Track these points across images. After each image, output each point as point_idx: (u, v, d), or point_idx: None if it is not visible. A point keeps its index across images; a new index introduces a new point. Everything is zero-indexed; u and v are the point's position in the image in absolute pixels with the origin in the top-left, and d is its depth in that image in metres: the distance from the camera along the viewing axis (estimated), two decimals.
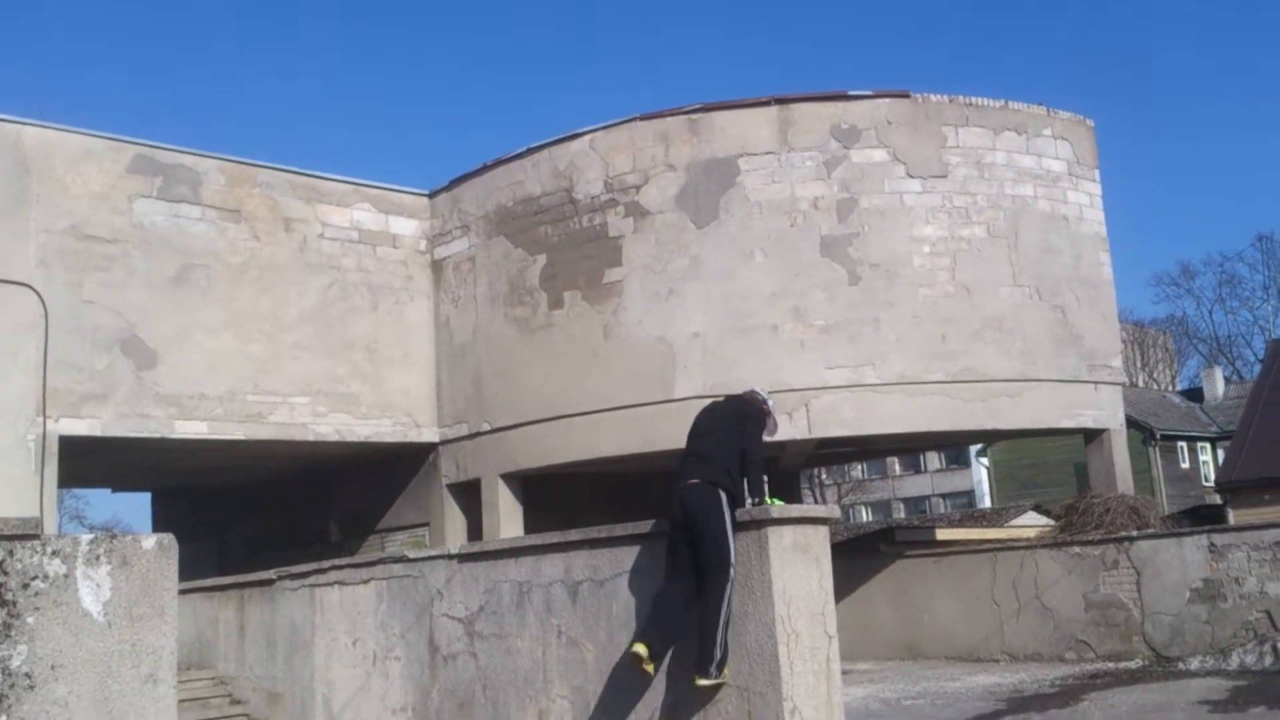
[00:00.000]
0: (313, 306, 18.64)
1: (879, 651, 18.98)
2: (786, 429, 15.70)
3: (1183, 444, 50.44)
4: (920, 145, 17.72)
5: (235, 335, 17.79)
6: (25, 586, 4.71)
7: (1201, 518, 31.08)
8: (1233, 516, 29.68)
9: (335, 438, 18.69)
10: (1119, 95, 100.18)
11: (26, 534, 4.78)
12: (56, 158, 16.57)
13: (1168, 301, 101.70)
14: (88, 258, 16.60)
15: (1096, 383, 18.53)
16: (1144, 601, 16.47)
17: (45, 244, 16.30)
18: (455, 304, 19.71)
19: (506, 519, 18.77)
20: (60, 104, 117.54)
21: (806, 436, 17.29)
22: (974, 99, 18.22)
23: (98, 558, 4.91)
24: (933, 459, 68.67)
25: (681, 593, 7.23)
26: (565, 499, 19.44)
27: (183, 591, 8.81)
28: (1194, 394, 56.18)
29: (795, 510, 7.27)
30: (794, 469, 24.67)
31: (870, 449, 26.93)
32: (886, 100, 17.87)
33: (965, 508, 56.27)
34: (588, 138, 18.43)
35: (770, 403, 8.07)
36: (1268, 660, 14.74)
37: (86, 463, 18.09)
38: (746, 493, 7.46)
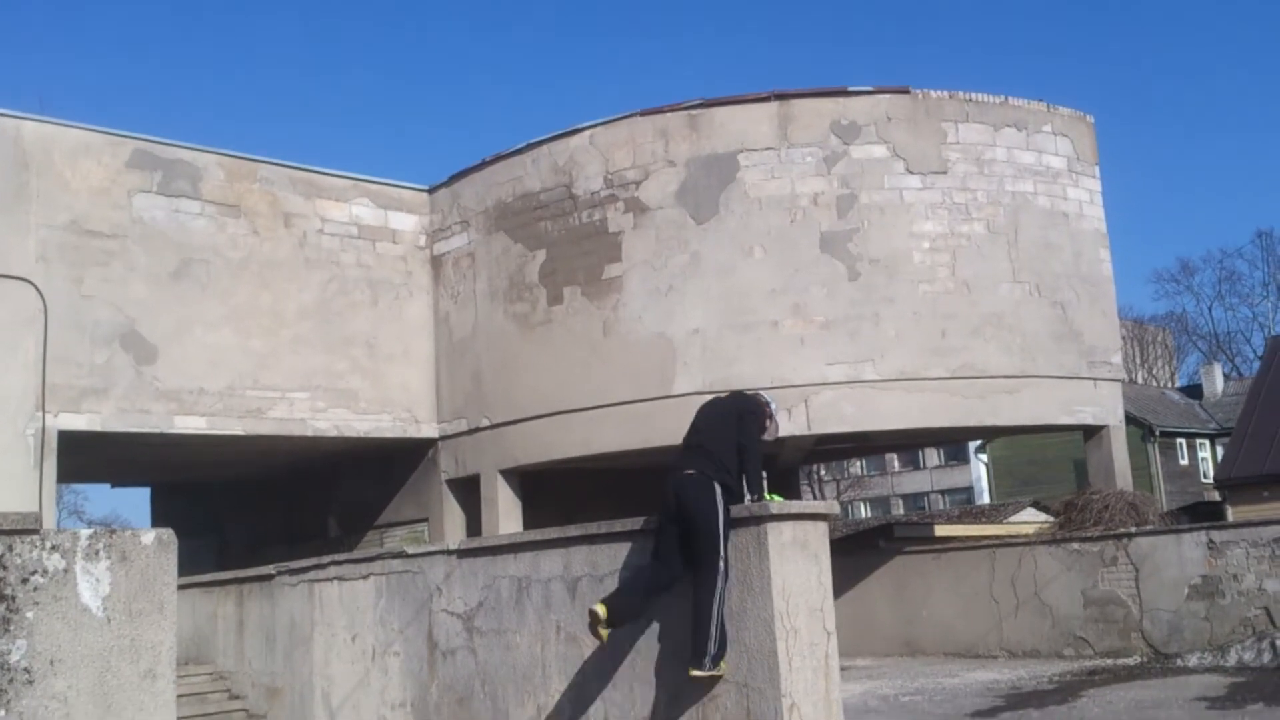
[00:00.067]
0: (312, 302, 18.63)
1: (877, 648, 18.98)
2: (786, 425, 15.70)
3: (1182, 441, 50.49)
4: (920, 141, 17.71)
5: (235, 330, 17.79)
6: (24, 581, 4.72)
7: (1200, 514, 31.04)
8: (1231, 513, 29.68)
9: (334, 433, 18.69)
10: (1119, 92, 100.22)
11: (26, 529, 4.78)
12: (56, 152, 16.56)
13: (1167, 298, 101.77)
14: (87, 253, 16.59)
15: (1096, 379, 18.53)
16: (1142, 598, 16.47)
17: (45, 239, 16.29)
18: (455, 300, 19.71)
19: (505, 515, 18.78)
20: (59, 98, 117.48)
21: (806, 433, 17.29)
22: (974, 95, 18.20)
23: (97, 553, 4.91)
24: (932, 455, 68.78)
25: (656, 575, 7.34)
26: (564, 495, 19.46)
27: (182, 587, 8.81)
28: (1193, 391, 56.23)
29: (794, 506, 7.27)
30: (793, 465, 24.67)
31: (869, 445, 26.94)
32: (886, 96, 17.86)
33: (964, 504, 56.34)
34: (587, 133, 18.42)
35: (773, 405, 8.06)
36: (1266, 657, 14.75)
37: (86, 458, 18.08)
38: (745, 489, 7.47)
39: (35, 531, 4.80)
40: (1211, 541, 16.05)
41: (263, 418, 17.89)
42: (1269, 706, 11.55)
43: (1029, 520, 31.83)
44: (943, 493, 68.98)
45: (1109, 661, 16.16)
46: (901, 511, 63.49)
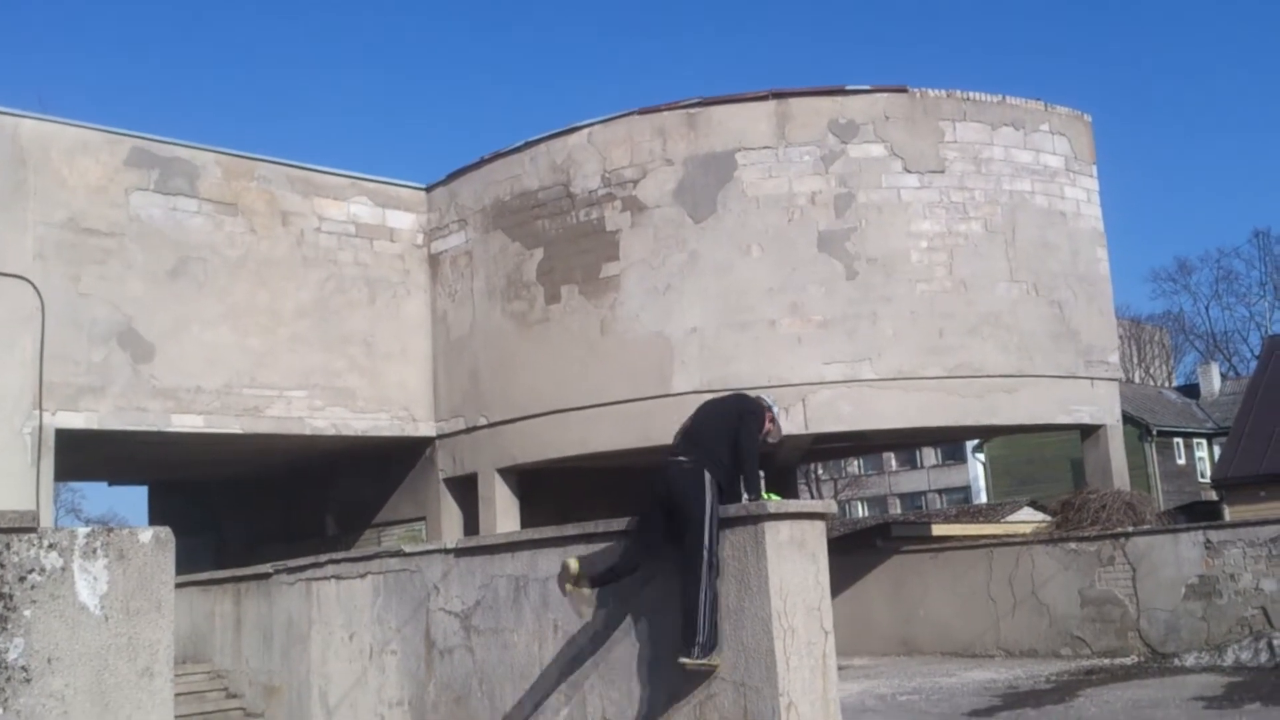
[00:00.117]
0: (310, 300, 18.62)
1: (875, 647, 18.99)
2: (783, 424, 15.68)
3: (1179, 440, 50.53)
4: (918, 140, 17.71)
5: (232, 329, 17.78)
6: (22, 580, 4.71)
7: (1197, 514, 31.06)
8: (1228, 513, 29.73)
9: (332, 432, 18.68)
10: (1118, 91, 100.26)
11: (23, 527, 4.77)
12: (53, 150, 16.55)
13: (1164, 297, 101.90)
14: (85, 250, 16.58)
15: (1093, 378, 18.54)
16: (1140, 598, 16.48)
17: (42, 236, 16.28)
18: (452, 298, 19.70)
19: (503, 513, 18.78)
20: (58, 96, 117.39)
21: (803, 432, 17.29)
22: (972, 94, 18.21)
23: (94, 551, 4.90)
24: (929, 454, 68.81)
25: (629, 551, 7.53)
26: (562, 493, 19.46)
27: (179, 585, 8.80)
28: (1190, 390, 56.29)
29: (792, 505, 7.27)
30: (791, 464, 24.68)
31: (867, 444, 26.95)
32: (884, 95, 17.86)
33: (962, 503, 56.39)
34: (585, 132, 18.42)
35: (776, 408, 8.07)
36: (1263, 656, 14.77)
37: (83, 456, 18.07)
38: (742, 489, 7.49)
39: (33, 530, 4.80)
40: (1208, 541, 16.07)
41: (260, 416, 17.89)
42: (1266, 706, 11.56)
43: (1026, 520, 31.86)
44: (940, 492, 69.01)
45: (1106, 661, 16.17)
46: (899, 511, 63.54)
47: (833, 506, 8.21)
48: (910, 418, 17.46)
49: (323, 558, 11.50)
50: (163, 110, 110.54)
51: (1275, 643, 14.84)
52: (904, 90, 17.92)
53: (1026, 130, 18.42)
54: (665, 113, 18.01)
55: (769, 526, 7.02)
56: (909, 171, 17.59)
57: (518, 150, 19.06)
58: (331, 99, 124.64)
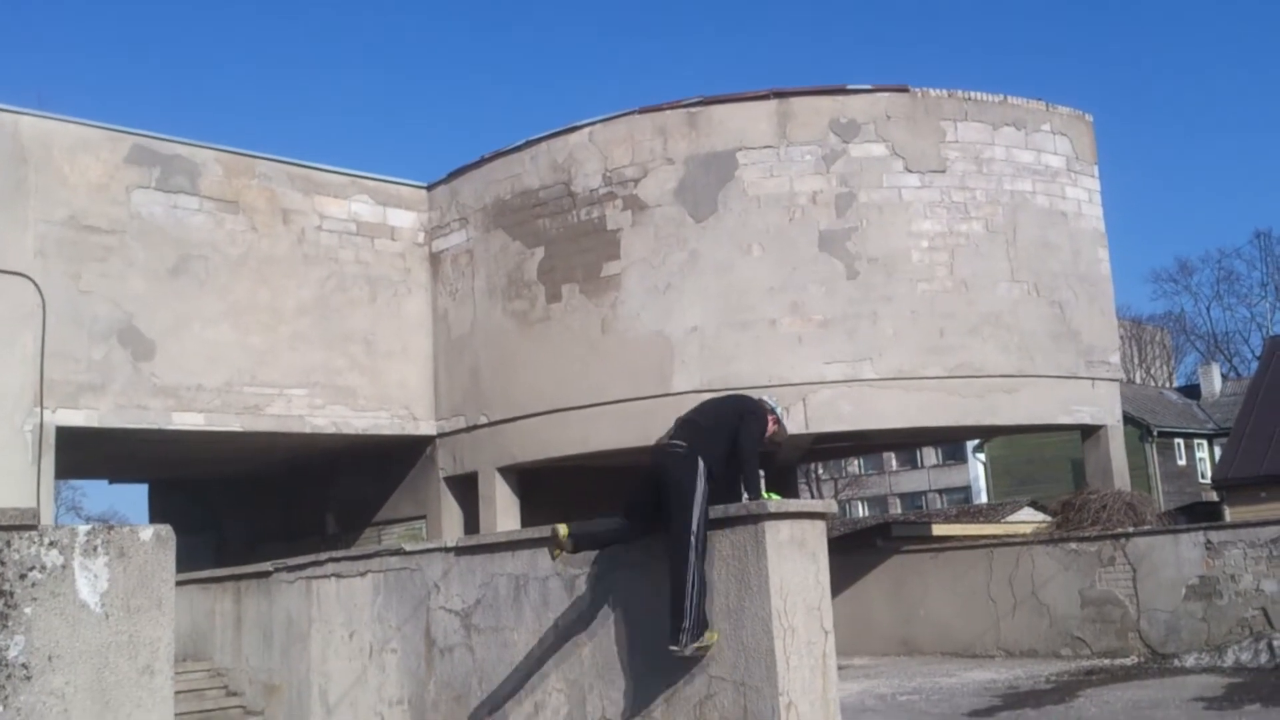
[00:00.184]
0: (310, 298, 18.63)
1: (875, 647, 18.99)
2: (786, 425, 15.68)
3: (1179, 441, 50.51)
4: (919, 140, 17.71)
5: (233, 327, 17.78)
6: (22, 577, 4.71)
7: (1198, 515, 31.07)
8: (1229, 514, 29.74)
9: (332, 430, 18.68)
10: (1118, 91, 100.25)
11: (24, 524, 4.77)
12: (54, 148, 16.56)
13: (1165, 298, 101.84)
14: (85, 248, 16.58)
15: (1094, 379, 18.54)
16: (1140, 598, 16.48)
17: (43, 234, 16.28)
18: (453, 297, 19.70)
19: (503, 512, 18.78)
20: (58, 94, 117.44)
21: (804, 431, 17.29)
22: (973, 94, 18.20)
23: (95, 549, 4.90)
24: (930, 454, 68.80)
25: (619, 526, 7.64)
26: (562, 492, 19.41)
27: (179, 583, 8.79)
28: (1191, 391, 56.26)
29: (792, 505, 7.27)
30: (791, 464, 24.68)
31: (867, 444, 26.94)
32: (885, 95, 17.86)
33: (962, 503, 56.38)
34: (586, 131, 18.42)
35: (779, 409, 8.07)
36: (1263, 657, 14.76)
37: (83, 454, 18.07)
38: (742, 488, 7.49)
39: (33, 527, 4.79)
40: (1209, 542, 16.07)
41: (261, 414, 17.89)
42: (1266, 707, 11.56)
43: (1026, 520, 31.86)
44: (940, 492, 69.00)
45: (1106, 661, 16.17)
46: (899, 510, 63.53)
47: (833, 506, 8.22)
48: (911, 417, 17.46)
49: (323, 556, 11.50)
50: (164, 108, 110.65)
51: (1275, 644, 14.84)
52: (905, 90, 17.92)
53: (1028, 130, 18.41)
54: (666, 112, 18.00)
55: (769, 526, 7.01)
56: (910, 171, 17.59)
57: (519, 149, 19.06)
58: (332, 98, 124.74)
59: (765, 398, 8.19)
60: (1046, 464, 48.88)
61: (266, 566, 12.45)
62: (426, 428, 19.76)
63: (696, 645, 7.01)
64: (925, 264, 17.43)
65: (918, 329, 17.28)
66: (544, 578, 8.46)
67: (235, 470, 22.65)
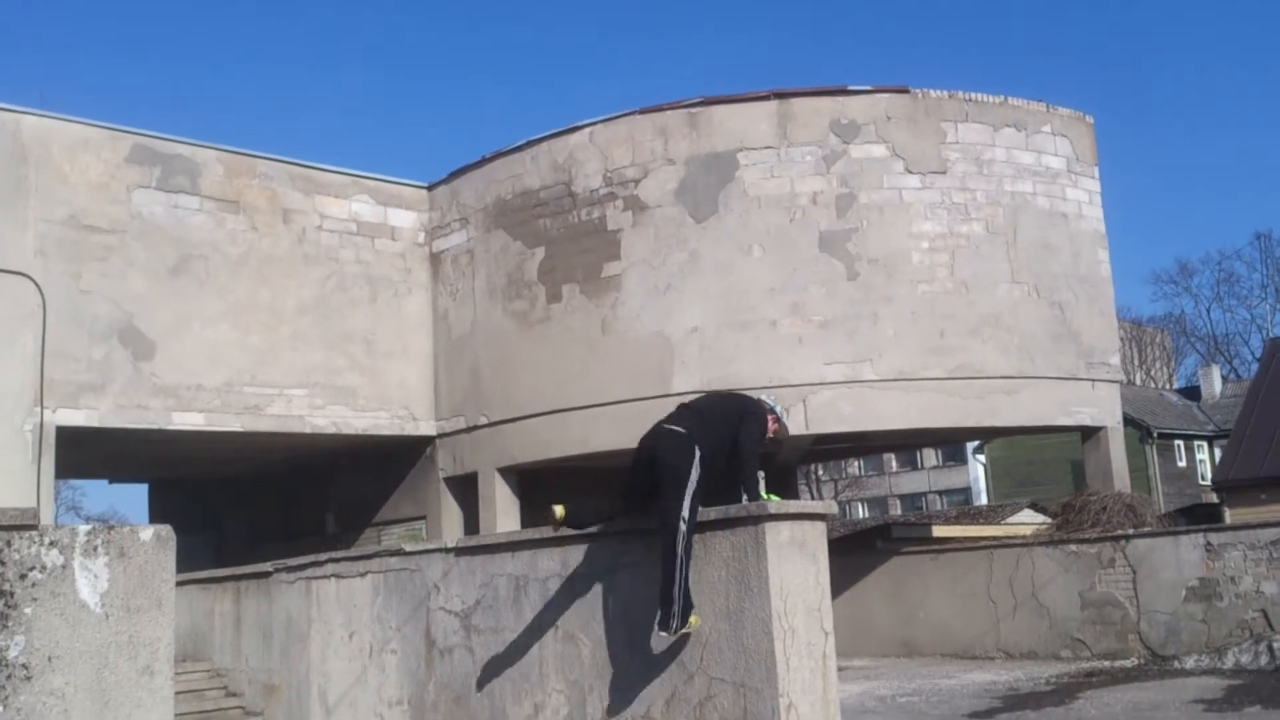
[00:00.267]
0: (311, 298, 18.62)
1: (875, 648, 18.99)
2: (787, 424, 15.69)
3: (1180, 442, 50.49)
4: (919, 141, 17.71)
5: (233, 327, 17.78)
6: (23, 577, 4.71)
7: (1198, 516, 31.13)
8: (1229, 515, 29.74)
9: (332, 430, 18.68)
10: (1119, 92, 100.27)
11: (24, 524, 4.77)
12: (55, 147, 16.55)
13: (1166, 299, 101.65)
14: (86, 248, 16.58)
15: (1094, 380, 18.53)
16: (1140, 600, 16.48)
17: (43, 233, 16.27)
18: (453, 297, 19.70)
19: (503, 513, 18.77)
20: (59, 94, 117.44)
21: (804, 432, 17.28)
22: (973, 95, 18.21)
23: (95, 549, 4.90)
24: (930, 456, 68.77)
25: (615, 500, 7.80)
26: (562, 493, 19.35)
27: (179, 583, 8.79)
28: (1191, 392, 56.23)
29: (792, 506, 7.27)
30: (791, 465, 24.67)
31: (867, 445, 26.95)
32: (886, 95, 17.86)
33: (962, 505, 56.33)
34: (587, 131, 18.41)
35: (779, 409, 8.08)
36: (1263, 659, 14.76)
37: (83, 453, 18.07)
38: (743, 491, 7.50)
39: (33, 527, 4.79)
40: (1209, 544, 16.07)
41: (261, 414, 17.89)
42: (1266, 709, 11.56)
43: (1027, 521, 31.84)
44: (940, 493, 68.97)
45: (1106, 663, 16.17)
46: (899, 512, 63.49)
47: (833, 507, 8.22)
48: (911, 419, 17.45)
49: (323, 556, 11.49)
50: (164, 108, 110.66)
51: (1275, 646, 14.83)
52: (906, 91, 17.92)
53: (1028, 131, 18.41)
54: (667, 112, 18.00)
55: (769, 527, 7.01)
56: (910, 172, 17.59)
57: (519, 149, 19.06)
58: (332, 98, 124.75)
59: (765, 397, 8.20)
60: (1046, 465, 48.88)
61: (266, 567, 12.44)
62: (426, 428, 19.75)
63: (683, 630, 7.08)
64: (926, 265, 17.43)
65: (918, 330, 17.28)
66: (544, 578, 8.46)
67: (235, 470, 22.65)
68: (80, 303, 16.40)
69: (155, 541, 5.08)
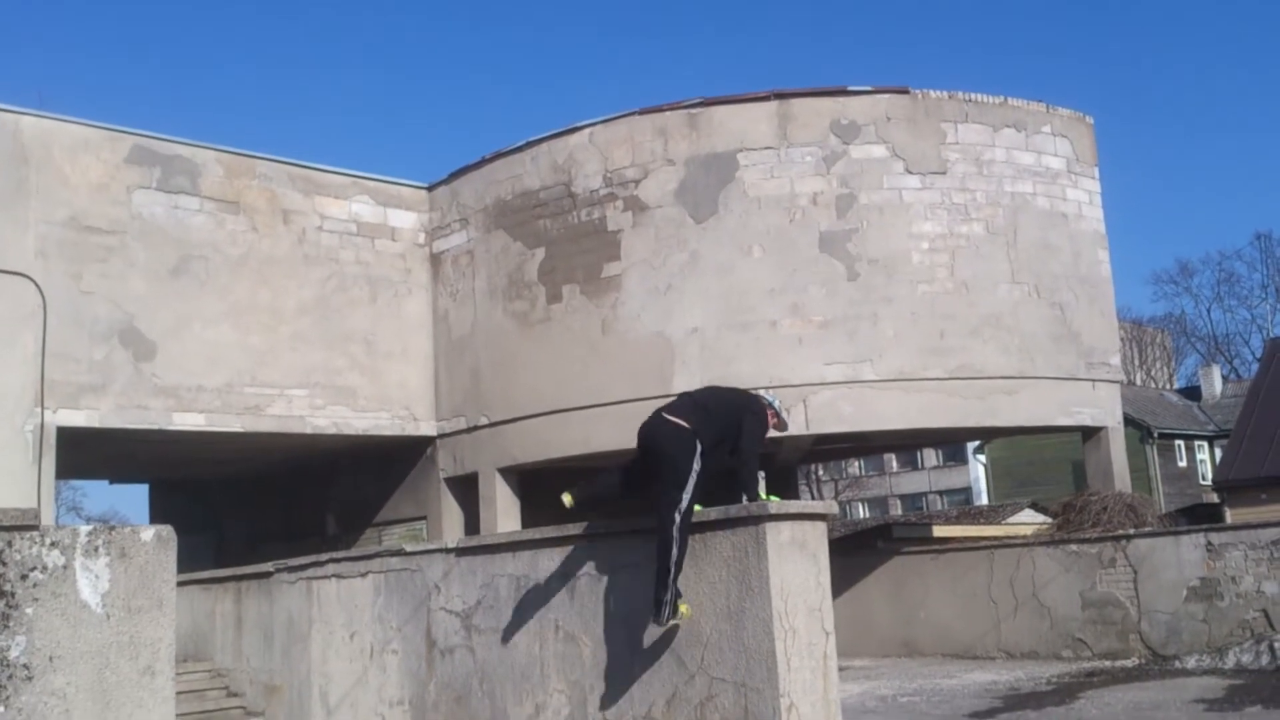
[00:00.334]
0: (311, 299, 18.63)
1: (876, 648, 18.99)
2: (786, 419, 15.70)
3: (1180, 442, 50.47)
4: (919, 141, 17.71)
5: (233, 327, 17.78)
6: (24, 578, 4.71)
7: (1199, 517, 31.10)
8: (1230, 515, 29.71)
9: (333, 430, 18.68)
10: (1119, 92, 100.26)
11: (25, 525, 4.77)
12: (55, 148, 16.56)
13: (1166, 300, 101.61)
14: (86, 248, 16.58)
15: (1094, 380, 18.53)
16: (1141, 600, 16.48)
17: (44, 234, 16.28)
18: (453, 297, 19.70)
19: (504, 513, 18.77)
20: (59, 94, 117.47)
21: (804, 433, 17.28)
22: (973, 95, 18.21)
23: (96, 549, 4.90)
24: (930, 456, 68.73)
25: (616, 482, 7.92)
26: (563, 493, 19.42)
27: (180, 584, 8.80)
28: (1192, 392, 56.21)
29: (793, 506, 7.27)
30: (791, 465, 24.67)
31: (868, 445, 26.95)
32: (886, 96, 17.86)
33: (962, 505, 56.31)
34: (587, 131, 18.42)
35: (778, 404, 8.10)
36: (1264, 659, 14.76)
37: (84, 454, 18.07)
38: (742, 489, 7.51)
39: (35, 528, 4.80)
40: (1210, 544, 16.07)
41: (261, 415, 17.89)
42: (1267, 709, 11.56)
43: (1027, 521, 31.84)
44: (941, 493, 68.93)
45: (1107, 663, 16.17)
46: (900, 512, 63.46)
47: (834, 507, 8.23)
48: (911, 419, 17.45)
49: (323, 557, 11.50)
50: (164, 109, 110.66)
51: (1276, 645, 14.83)
52: (906, 91, 17.92)
53: (1028, 132, 18.41)
54: (667, 113, 18.01)
55: (770, 527, 7.01)
56: (910, 173, 17.59)
57: (519, 150, 19.06)
58: (332, 98, 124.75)
59: (763, 392, 8.23)
60: (1047, 465, 48.85)
61: (267, 567, 12.45)
62: (427, 428, 19.76)
63: (675, 620, 7.15)
64: (926, 265, 17.43)
65: (918, 330, 17.28)
66: (545, 579, 8.46)
67: (236, 470, 22.66)
68: (81, 303, 16.41)
69: (156, 542, 5.08)
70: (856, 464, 65.96)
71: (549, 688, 8.33)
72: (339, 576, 10.97)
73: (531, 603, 8.56)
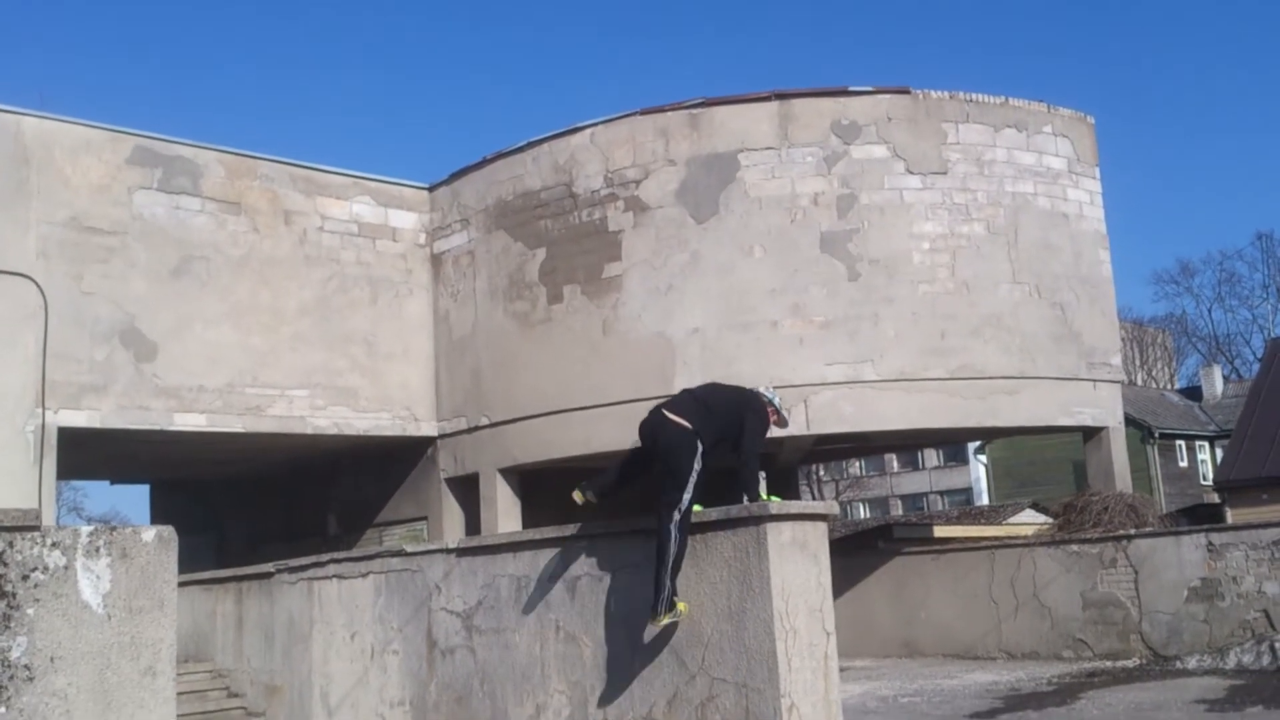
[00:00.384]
0: (312, 299, 18.63)
1: (876, 648, 18.99)
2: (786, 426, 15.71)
3: (1181, 443, 50.45)
4: (920, 142, 17.71)
5: (234, 328, 17.78)
6: (25, 578, 4.71)
7: (1199, 517, 31.09)
8: (1231, 516, 29.69)
9: (334, 431, 18.68)
10: (1119, 92, 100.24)
11: (26, 525, 4.78)
12: (56, 149, 16.56)
13: (1167, 299, 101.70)
14: (88, 249, 16.59)
15: (1095, 380, 18.53)
16: (1142, 600, 16.48)
17: (45, 235, 16.28)
18: (454, 298, 19.70)
19: (504, 513, 18.78)
20: (60, 95, 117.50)
21: (805, 433, 17.28)
22: (974, 95, 18.20)
23: (97, 550, 4.90)
24: (931, 456, 68.72)
25: (619, 472, 8.02)
26: (563, 494, 19.35)
27: (181, 584, 8.80)
28: (1193, 393, 56.18)
29: (794, 507, 7.28)
30: (792, 465, 24.66)
31: (869, 446, 26.94)
32: (887, 96, 17.86)
33: (963, 505, 56.28)
34: (588, 132, 18.42)
35: (777, 400, 8.10)
36: (1265, 660, 14.76)
37: (85, 454, 18.08)
38: (743, 494, 7.53)
39: (36, 528, 4.80)
40: (1211, 544, 16.06)
41: (262, 415, 17.89)
42: (1268, 709, 11.56)
43: (1028, 522, 31.82)
44: (942, 494, 68.91)
45: (1108, 663, 16.17)
46: (900, 512, 63.45)
47: (834, 508, 8.24)
48: (912, 419, 17.45)
49: (324, 557, 11.50)
50: (165, 109, 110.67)
51: (1277, 646, 14.83)
52: (906, 91, 17.92)
53: (1029, 132, 18.41)
54: (668, 113, 18.01)
55: (771, 528, 7.02)
56: (911, 173, 17.59)
57: (520, 150, 19.06)
58: (332, 98, 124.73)
59: (763, 389, 8.24)
60: (1048, 466, 48.83)
61: (268, 567, 12.46)
62: (428, 429, 19.76)
63: (671, 618, 7.19)
64: (927, 265, 17.42)
65: (919, 330, 17.27)
66: (545, 579, 8.47)
67: (237, 471, 22.66)
68: (82, 304, 16.41)
69: (157, 542, 5.08)
70: (857, 464, 65.98)
71: (550, 688, 8.33)
72: (340, 577, 10.97)
73: (532, 603, 8.56)
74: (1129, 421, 25.91)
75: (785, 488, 22.57)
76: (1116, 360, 19.13)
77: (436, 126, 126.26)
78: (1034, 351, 17.82)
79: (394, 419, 19.37)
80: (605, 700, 7.89)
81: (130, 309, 16.84)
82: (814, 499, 48.42)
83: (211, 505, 24.28)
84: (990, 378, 17.53)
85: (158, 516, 25.22)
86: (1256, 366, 46.23)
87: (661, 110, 18.08)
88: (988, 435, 32.74)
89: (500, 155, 19.35)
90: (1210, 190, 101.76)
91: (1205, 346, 66.54)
